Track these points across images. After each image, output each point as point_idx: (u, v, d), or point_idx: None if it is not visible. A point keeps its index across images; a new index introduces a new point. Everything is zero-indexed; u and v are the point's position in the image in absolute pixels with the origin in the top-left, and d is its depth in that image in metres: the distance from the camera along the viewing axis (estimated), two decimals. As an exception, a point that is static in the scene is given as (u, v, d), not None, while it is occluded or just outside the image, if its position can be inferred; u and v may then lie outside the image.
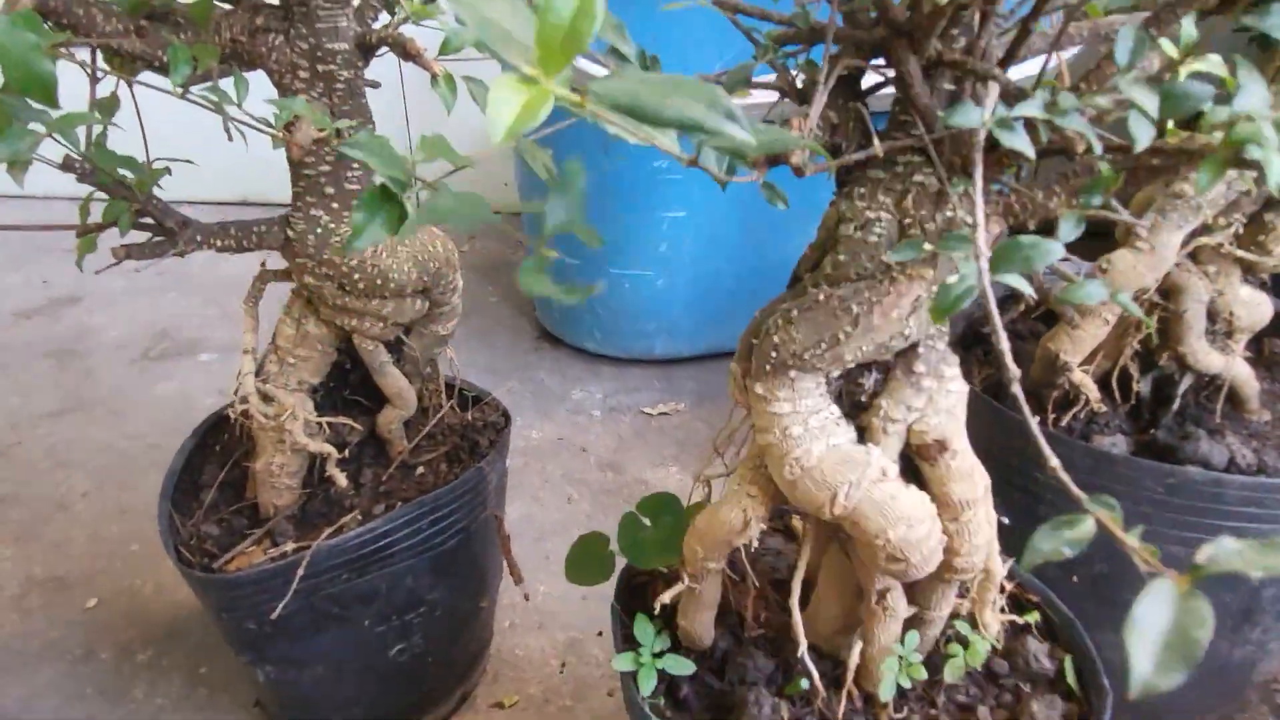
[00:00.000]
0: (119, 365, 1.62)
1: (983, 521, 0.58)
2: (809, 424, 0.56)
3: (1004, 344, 0.40)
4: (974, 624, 0.65)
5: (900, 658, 0.62)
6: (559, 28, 0.32)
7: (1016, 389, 0.39)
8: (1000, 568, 0.60)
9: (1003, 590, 0.65)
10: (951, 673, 0.65)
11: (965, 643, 0.65)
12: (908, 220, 0.54)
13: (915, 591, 0.63)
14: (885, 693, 0.62)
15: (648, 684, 0.64)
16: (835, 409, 0.57)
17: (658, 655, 0.66)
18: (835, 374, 0.57)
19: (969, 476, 0.57)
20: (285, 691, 0.87)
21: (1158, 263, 0.79)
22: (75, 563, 1.16)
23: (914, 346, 0.56)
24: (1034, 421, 0.38)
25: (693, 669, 0.65)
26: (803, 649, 0.61)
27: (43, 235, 2.10)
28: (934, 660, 0.66)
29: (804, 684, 0.63)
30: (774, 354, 0.56)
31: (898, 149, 0.52)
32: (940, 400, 0.56)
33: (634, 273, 1.52)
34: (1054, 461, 0.37)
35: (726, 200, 1.40)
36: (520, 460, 1.35)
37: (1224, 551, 0.31)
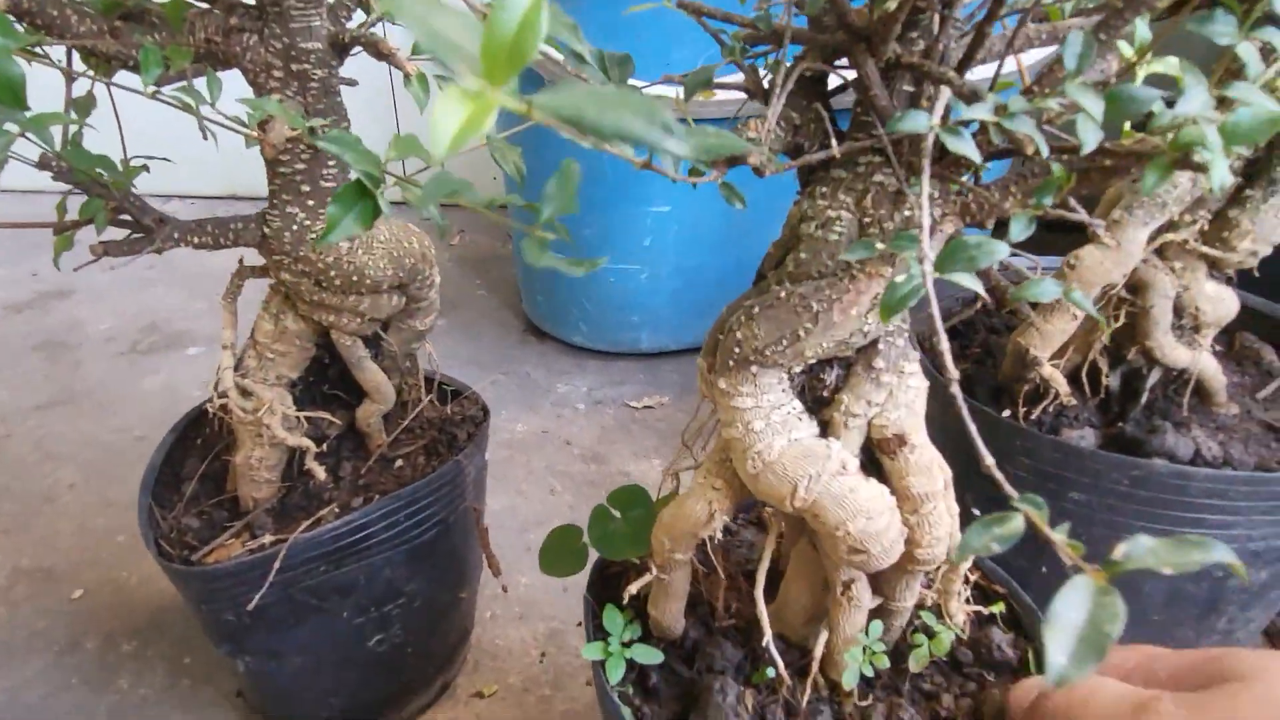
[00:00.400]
0: (107, 358, 1.63)
1: (943, 514, 0.59)
2: (771, 419, 0.57)
3: (944, 344, 0.40)
4: (940, 615, 0.66)
5: (865, 647, 0.64)
6: (505, 40, 0.33)
7: (955, 389, 0.40)
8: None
9: (968, 581, 0.66)
10: (916, 662, 0.66)
11: (931, 633, 0.67)
12: (867, 219, 0.54)
13: (880, 582, 0.64)
14: (849, 680, 0.63)
15: (616, 672, 0.65)
16: (798, 404, 0.58)
17: (627, 645, 0.67)
18: (797, 369, 0.58)
19: (928, 470, 0.57)
20: (264, 682, 0.89)
21: (1124, 259, 0.80)
22: (62, 555, 1.17)
23: (874, 343, 0.57)
24: (969, 416, 0.39)
25: (660, 658, 0.67)
26: (767, 638, 0.62)
27: (32, 229, 2.11)
28: (900, 649, 0.67)
29: (770, 672, 0.64)
30: (737, 350, 0.57)
31: (857, 150, 0.53)
32: (900, 395, 0.57)
33: (619, 267, 1.52)
34: (988, 461, 0.38)
35: (710, 195, 1.41)
36: (504, 453, 1.36)
37: (1138, 549, 0.32)
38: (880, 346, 0.57)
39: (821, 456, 0.56)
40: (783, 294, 0.56)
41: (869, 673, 0.64)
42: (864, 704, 0.64)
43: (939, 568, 0.62)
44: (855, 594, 0.62)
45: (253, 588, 0.77)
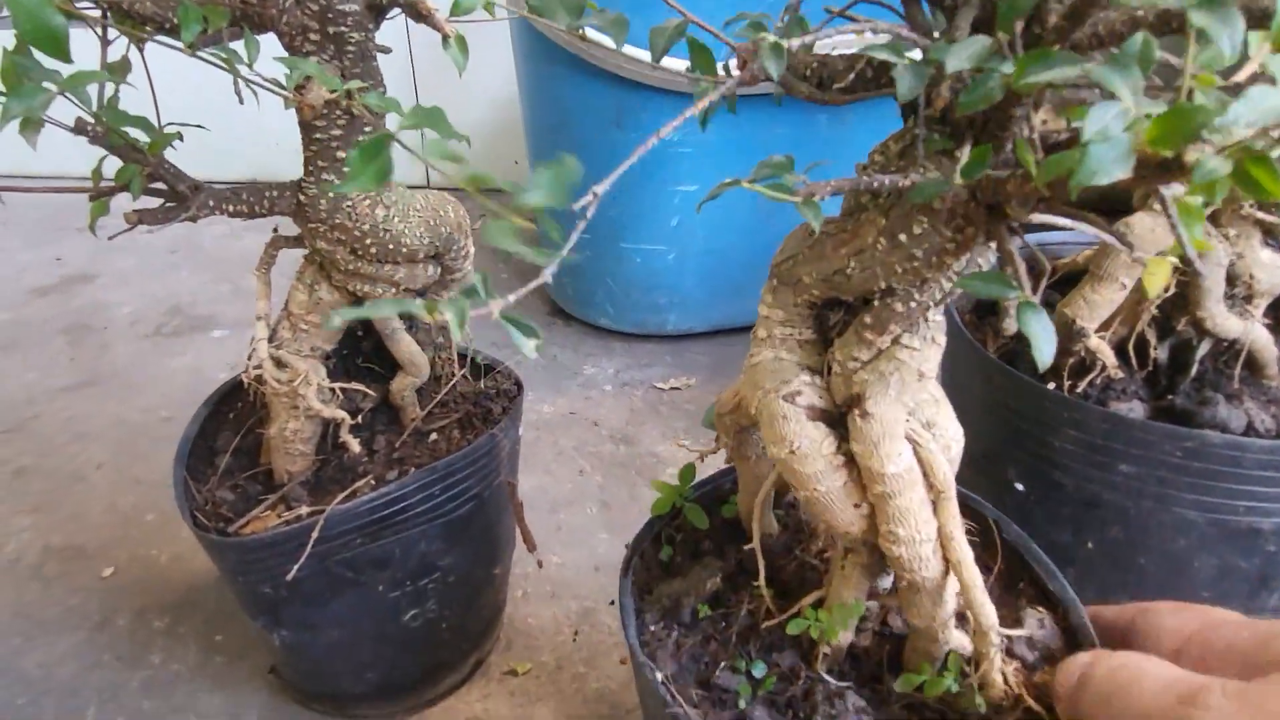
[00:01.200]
0: (133, 341, 1.63)
1: (914, 514, 0.52)
2: (773, 332, 0.56)
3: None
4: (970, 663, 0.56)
5: (817, 620, 0.59)
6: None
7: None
8: (989, 617, 0.52)
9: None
10: (901, 683, 0.57)
11: (943, 669, 0.56)
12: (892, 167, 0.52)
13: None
14: (830, 635, 0.59)
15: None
16: (807, 331, 0.56)
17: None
18: (803, 297, 0.55)
19: (875, 449, 0.52)
20: (300, 656, 0.88)
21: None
22: (92, 533, 1.17)
23: (871, 300, 0.53)
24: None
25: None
26: (754, 543, 0.61)
27: (57, 214, 2.12)
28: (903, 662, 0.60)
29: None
30: (773, 261, 0.57)
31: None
32: (884, 364, 0.54)
33: (646, 247, 1.51)
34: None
35: (738, 174, 1.39)
36: (532, 434, 1.35)
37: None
38: (875, 304, 0.54)
39: (780, 375, 0.54)
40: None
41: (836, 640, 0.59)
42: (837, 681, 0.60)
43: (925, 582, 0.54)
44: (849, 566, 0.58)
45: (289, 559, 0.76)
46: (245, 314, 1.68)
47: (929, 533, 0.53)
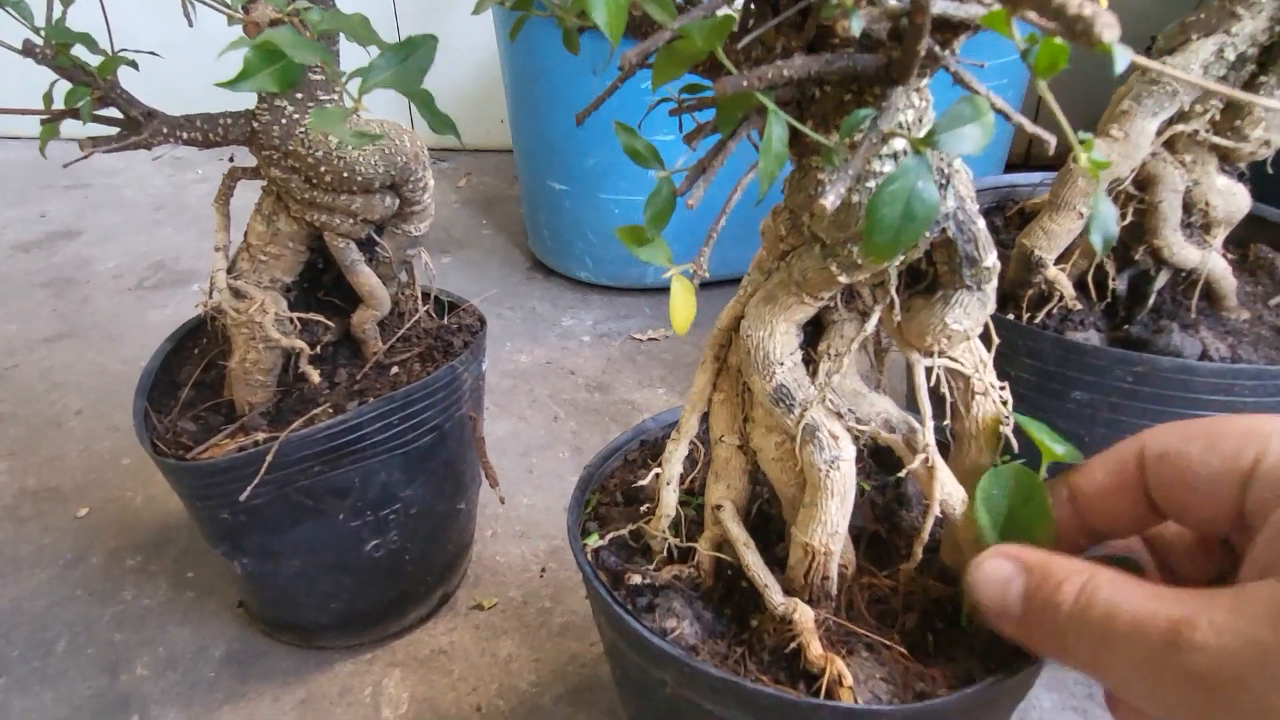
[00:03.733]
0: (114, 294, 1.63)
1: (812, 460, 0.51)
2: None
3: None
4: None
5: None
6: None
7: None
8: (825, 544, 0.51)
9: None
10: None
11: None
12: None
13: None
14: None
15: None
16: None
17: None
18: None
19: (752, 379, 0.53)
20: (263, 585, 0.89)
21: (1132, 151, 0.78)
22: (68, 475, 1.18)
23: None
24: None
25: None
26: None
27: (42, 172, 2.12)
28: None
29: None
30: None
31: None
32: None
33: (625, 198, 1.51)
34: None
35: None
36: (509, 382, 1.36)
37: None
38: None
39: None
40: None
41: None
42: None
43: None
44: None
45: (246, 483, 0.77)
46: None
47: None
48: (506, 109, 1.70)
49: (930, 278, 0.51)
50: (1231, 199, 0.80)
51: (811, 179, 0.46)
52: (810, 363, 0.54)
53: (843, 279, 0.48)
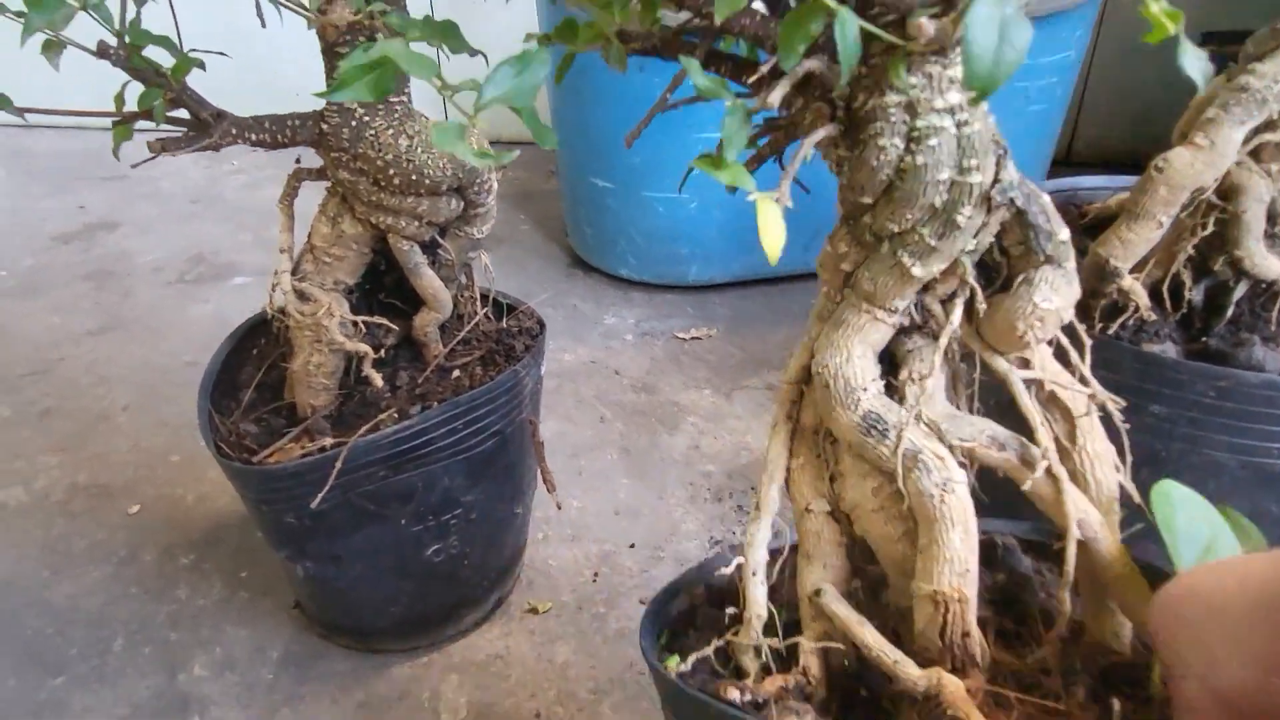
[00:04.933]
0: (156, 287, 1.63)
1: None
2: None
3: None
4: None
5: None
6: None
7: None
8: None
9: None
10: None
11: None
12: None
13: None
14: None
15: None
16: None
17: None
18: None
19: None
20: (324, 589, 0.89)
21: (1217, 160, 0.76)
22: (118, 471, 1.19)
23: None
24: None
25: None
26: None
27: (80, 162, 2.12)
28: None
29: None
30: None
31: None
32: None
33: (667, 195, 1.49)
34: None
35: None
36: (554, 381, 1.35)
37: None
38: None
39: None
40: None
41: None
42: None
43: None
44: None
45: (313, 488, 0.76)
46: (267, 263, 1.68)
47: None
48: (548, 103, 1.68)
49: (1005, 272, 0.48)
50: (1318, 210, 0.78)
51: (873, 150, 0.43)
52: (893, 393, 0.50)
53: (917, 270, 0.45)
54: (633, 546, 1.07)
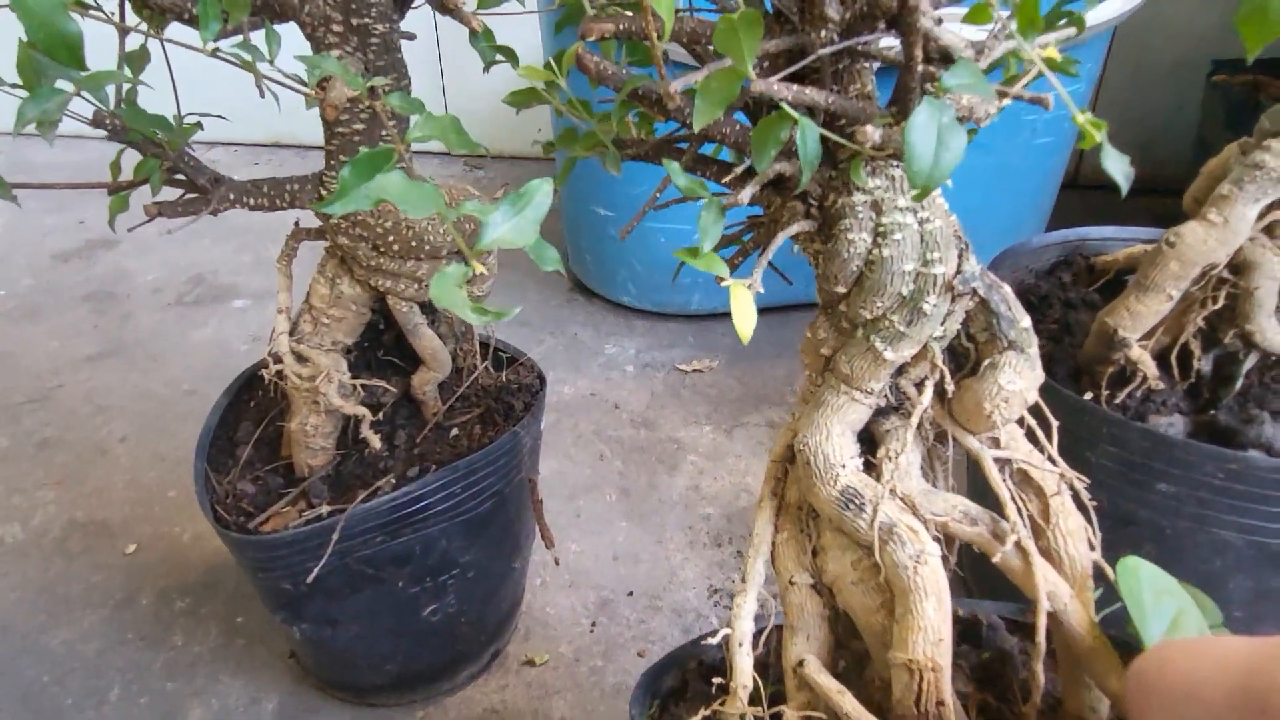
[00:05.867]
0: (155, 310, 1.62)
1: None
2: None
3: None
4: None
5: None
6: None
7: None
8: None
9: None
10: None
11: None
12: None
13: None
14: None
15: None
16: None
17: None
18: None
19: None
20: (319, 649, 0.88)
21: (1230, 236, 0.75)
22: (115, 508, 1.18)
23: None
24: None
25: None
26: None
27: (80, 178, 2.10)
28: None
29: None
30: None
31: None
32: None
33: (670, 226, 1.48)
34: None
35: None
36: (552, 416, 1.34)
37: None
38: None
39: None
40: None
41: None
42: None
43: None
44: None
45: (310, 557, 0.76)
46: (267, 285, 1.67)
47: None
48: (552, 127, 1.67)
49: (973, 357, 0.51)
50: (1330, 286, 0.77)
51: (843, 243, 0.47)
52: (872, 470, 0.52)
53: (889, 354, 0.48)
54: (631, 594, 1.06)
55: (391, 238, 0.76)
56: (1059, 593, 0.48)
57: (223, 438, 0.88)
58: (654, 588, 1.07)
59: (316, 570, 0.75)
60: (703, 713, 0.52)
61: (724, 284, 0.44)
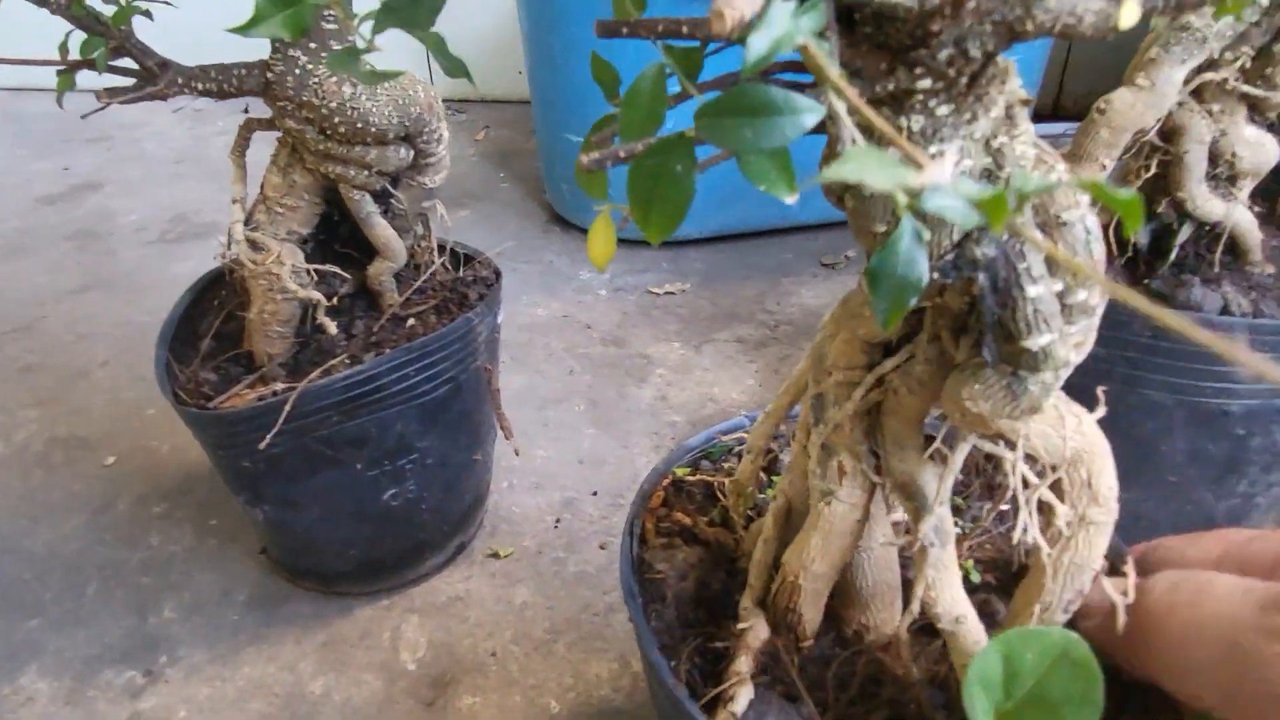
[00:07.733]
0: (138, 247, 1.65)
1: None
2: None
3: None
4: None
5: None
6: None
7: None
8: None
9: None
10: None
11: None
12: None
13: None
14: None
15: None
16: None
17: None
18: None
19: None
20: (283, 532, 0.91)
21: (1158, 100, 0.76)
22: (95, 424, 1.21)
23: None
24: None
25: None
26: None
27: (66, 125, 2.13)
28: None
29: None
30: None
31: None
32: None
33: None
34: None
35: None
36: (524, 335, 1.37)
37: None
38: None
39: None
40: None
41: None
42: None
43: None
44: None
45: (267, 432, 0.78)
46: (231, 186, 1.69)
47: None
48: (524, 60, 1.68)
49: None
50: (1260, 150, 0.78)
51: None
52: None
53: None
54: (595, 494, 1.09)
55: (337, 119, 0.78)
56: (948, 614, 0.43)
57: (185, 332, 0.90)
58: (618, 487, 1.09)
59: (267, 441, 0.77)
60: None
61: (599, 208, 0.39)
